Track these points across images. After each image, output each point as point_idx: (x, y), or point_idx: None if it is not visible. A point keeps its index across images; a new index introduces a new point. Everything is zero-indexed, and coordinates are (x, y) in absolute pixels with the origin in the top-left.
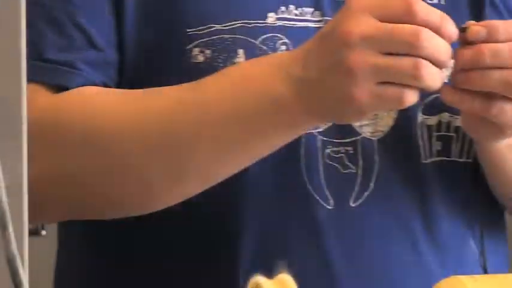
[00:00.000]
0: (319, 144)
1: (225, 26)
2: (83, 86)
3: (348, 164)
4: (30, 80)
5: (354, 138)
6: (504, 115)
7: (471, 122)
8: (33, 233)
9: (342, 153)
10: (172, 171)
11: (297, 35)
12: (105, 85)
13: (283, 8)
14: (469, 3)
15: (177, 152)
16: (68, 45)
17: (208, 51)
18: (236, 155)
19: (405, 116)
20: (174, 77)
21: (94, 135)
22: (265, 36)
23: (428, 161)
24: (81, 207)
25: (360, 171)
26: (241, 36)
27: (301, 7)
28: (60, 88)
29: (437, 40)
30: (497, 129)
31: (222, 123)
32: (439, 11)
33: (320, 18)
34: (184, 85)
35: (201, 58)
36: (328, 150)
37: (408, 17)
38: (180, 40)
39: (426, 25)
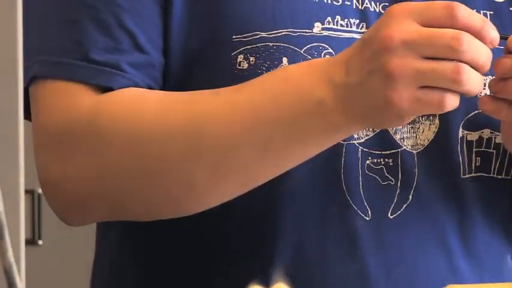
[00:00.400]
0: (359, 155)
1: (270, 34)
2: (127, 87)
3: (387, 175)
4: (74, 80)
5: (394, 151)
6: None
7: (510, 135)
8: (30, 242)
9: (382, 164)
10: (215, 172)
11: (342, 46)
12: (150, 87)
13: (329, 19)
14: None
15: (218, 152)
16: (113, 46)
17: (252, 58)
18: (276, 158)
19: (446, 131)
20: (218, 83)
21: (137, 136)
22: (310, 45)
23: (467, 176)
24: (123, 207)
25: (398, 184)
26: (286, 45)
27: (347, 18)
28: (104, 89)
29: (477, 44)
30: None
31: (264, 125)
32: (481, 15)
33: (365, 30)
34: (229, 87)
35: (245, 65)
36: (368, 162)
37: (450, 20)
38: (225, 46)
39: (467, 29)
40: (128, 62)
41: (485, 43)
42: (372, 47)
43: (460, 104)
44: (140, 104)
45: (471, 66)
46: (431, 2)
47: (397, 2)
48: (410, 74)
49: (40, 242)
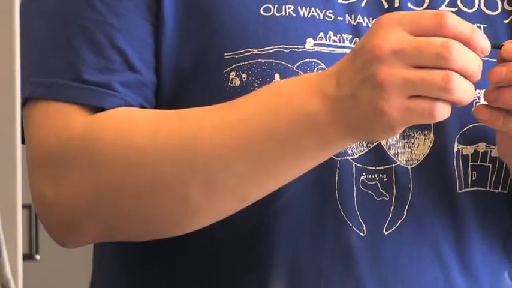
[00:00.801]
0: (353, 171)
1: (262, 51)
2: (119, 107)
3: (382, 191)
4: (67, 101)
5: (388, 166)
6: None
7: (506, 145)
8: (28, 257)
9: (376, 180)
10: (208, 188)
11: (334, 61)
12: (142, 106)
13: (321, 34)
14: (509, 34)
15: (212, 170)
16: (105, 66)
17: (244, 75)
18: (270, 174)
19: (441, 145)
20: (210, 101)
21: (129, 156)
22: (302, 61)
23: (463, 190)
24: (118, 228)
25: (393, 199)
26: (278, 61)
27: (340, 34)
28: (96, 109)
29: (467, 52)
30: None
31: (256, 142)
32: (470, 24)
33: None
34: (221, 104)
35: (237, 82)
36: (362, 178)
37: (438, 29)
38: (217, 64)
39: (456, 37)
40: (120, 81)
41: (475, 52)
42: (362, 58)
43: (454, 118)
44: (132, 123)
45: (461, 75)
46: (420, 11)
47: None
48: (400, 83)
49: (37, 257)
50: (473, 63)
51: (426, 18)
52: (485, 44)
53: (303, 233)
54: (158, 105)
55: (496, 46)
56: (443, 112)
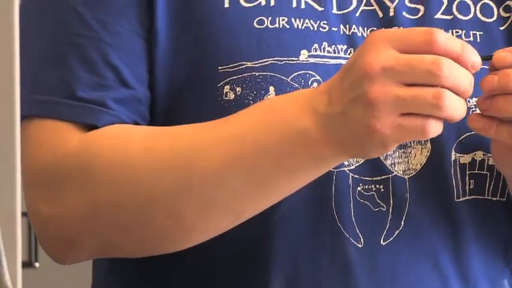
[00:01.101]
0: (350, 182)
1: (256, 64)
2: (112, 124)
3: (379, 202)
4: (61, 118)
5: (385, 177)
6: None
7: (501, 154)
8: (27, 265)
9: (373, 191)
10: (202, 205)
11: (329, 72)
12: (136, 123)
13: (316, 46)
14: (505, 41)
15: (206, 186)
16: (99, 83)
17: (238, 89)
18: (265, 190)
19: (438, 154)
20: (205, 115)
21: (123, 174)
22: (297, 73)
23: (461, 199)
24: (114, 245)
25: (390, 210)
26: (272, 74)
27: (334, 44)
28: (90, 126)
29: (458, 69)
30: None
31: (250, 157)
32: (460, 41)
33: None
34: (216, 121)
35: (231, 96)
36: (359, 188)
37: (429, 46)
38: (211, 78)
39: (447, 54)
40: (113, 98)
41: (466, 68)
42: (352, 76)
43: (451, 127)
44: (126, 140)
45: (453, 92)
46: (410, 28)
47: (384, 26)
48: (391, 101)
49: (37, 265)
50: (465, 80)
51: (416, 36)
52: (475, 59)
53: (301, 245)
54: (153, 119)
55: (487, 58)
56: (435, 129)
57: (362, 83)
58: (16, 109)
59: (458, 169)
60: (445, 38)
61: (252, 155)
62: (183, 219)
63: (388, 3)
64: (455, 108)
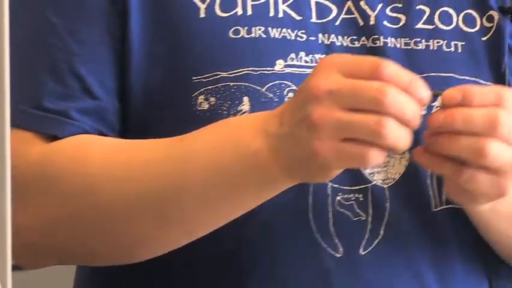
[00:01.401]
0: (329, 191)
1: (230, 74)
2: (75, 134)
3: (358, 211)
4: (26, 128)
5: (364, 186)
6: (475, 183)
7: (450, 185)
8: (17, 267)
9: (353, 200)
10: (157, 222)
11: None
12: (101, 133)
13: (293, 55)
14: (487, 52)
15: (160, 203)
16: (64, 93)
17: (213, 99)
18: (218, 208)
19: (416, 164)
20: (179, 124)
21: (81, 186)
22: (272, 83)
23: (439, 209)
24: (71, 255)
25: (370, 219)
26: (247, 84)
27: (312, 54)
28: (54, 137)
29: (403, 98)
30: (470, 196)
31: (202, 176)
32: (409, 73)
33: None
34: (175, 137)
35: (205, 106)
36: (338, 198)
37: (375, 75)
38: (185, 87)
39: (394, 84)
40: (78, 108)
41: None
42: (300, 97)
43: None
44: (86, 151)
45: (398, 120)
46: (360, 56)
47: (364, 35)
48: (333, 124)
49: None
50: (410, 109)
51: (363, 65)
52: (424, 93)
53: (280, 254)
54: (128, 129)
55: (437, 94)
56: (376, 158)
57: (308, 104)
58: (6, 115)
59: (434, 179)
60: (392, 70)
61: (203, 176)
62: (138, 233)
63: (369, 12)
64: (397, 137)
